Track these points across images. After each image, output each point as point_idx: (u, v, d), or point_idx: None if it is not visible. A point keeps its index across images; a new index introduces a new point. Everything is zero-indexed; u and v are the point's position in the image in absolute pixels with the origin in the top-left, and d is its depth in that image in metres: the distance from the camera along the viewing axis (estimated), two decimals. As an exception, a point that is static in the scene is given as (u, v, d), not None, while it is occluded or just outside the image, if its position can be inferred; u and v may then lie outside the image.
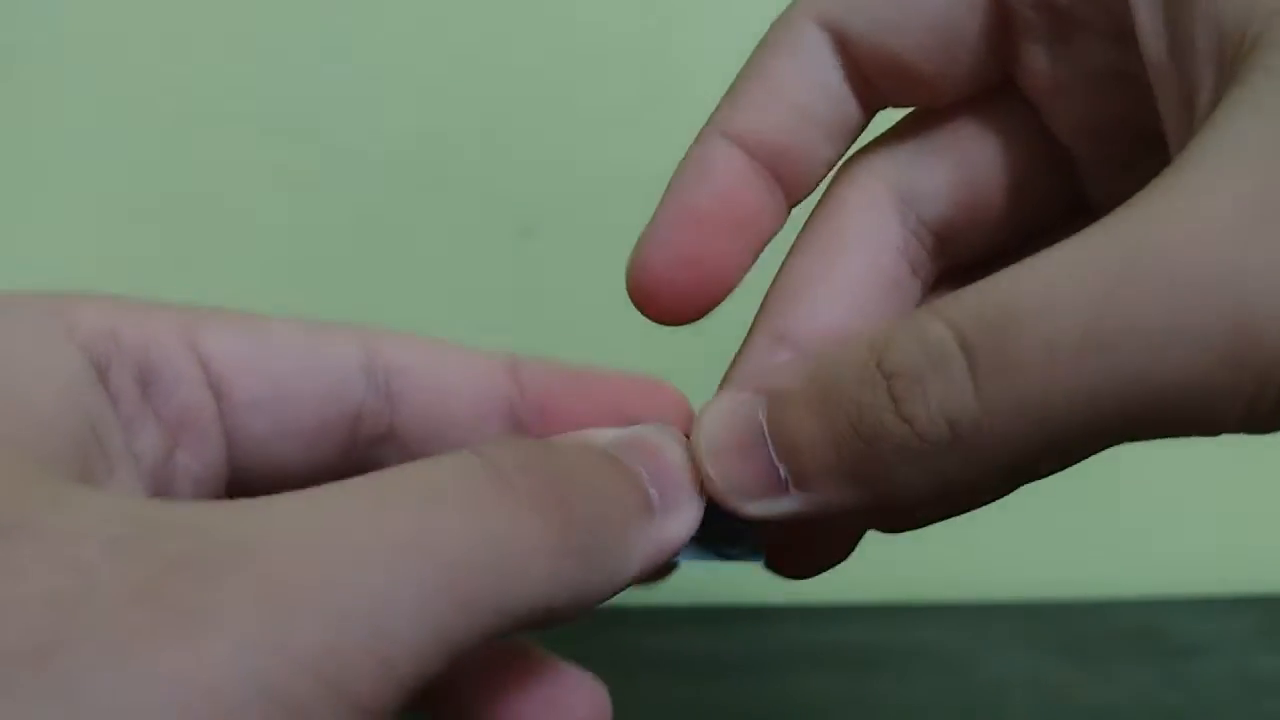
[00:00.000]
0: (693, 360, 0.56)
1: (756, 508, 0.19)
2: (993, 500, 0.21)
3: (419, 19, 0.51)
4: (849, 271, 0.22)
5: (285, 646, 0.13)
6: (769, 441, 0.19)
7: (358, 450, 0.21)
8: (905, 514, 0.23)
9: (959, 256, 0.23)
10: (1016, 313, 0.16)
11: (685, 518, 0.19)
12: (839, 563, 0.23)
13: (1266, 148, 0.16)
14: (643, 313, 0.22)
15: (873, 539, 0.23)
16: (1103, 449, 0.18)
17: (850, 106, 0.22)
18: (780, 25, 0.22)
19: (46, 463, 0.15)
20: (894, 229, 0.22)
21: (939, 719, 0.45)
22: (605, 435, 0.20)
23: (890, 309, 0.22)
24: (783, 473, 0.19)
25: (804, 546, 0.23)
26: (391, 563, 0.14)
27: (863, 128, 0.23)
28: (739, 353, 0.23)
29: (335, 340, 0.21)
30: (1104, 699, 0.46)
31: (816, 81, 0.22)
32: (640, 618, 0.54)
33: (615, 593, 0.17)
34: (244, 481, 0.20)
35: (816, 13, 0.22)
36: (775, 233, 0.23)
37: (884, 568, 0.57)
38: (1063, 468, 0.24)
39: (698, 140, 0.22)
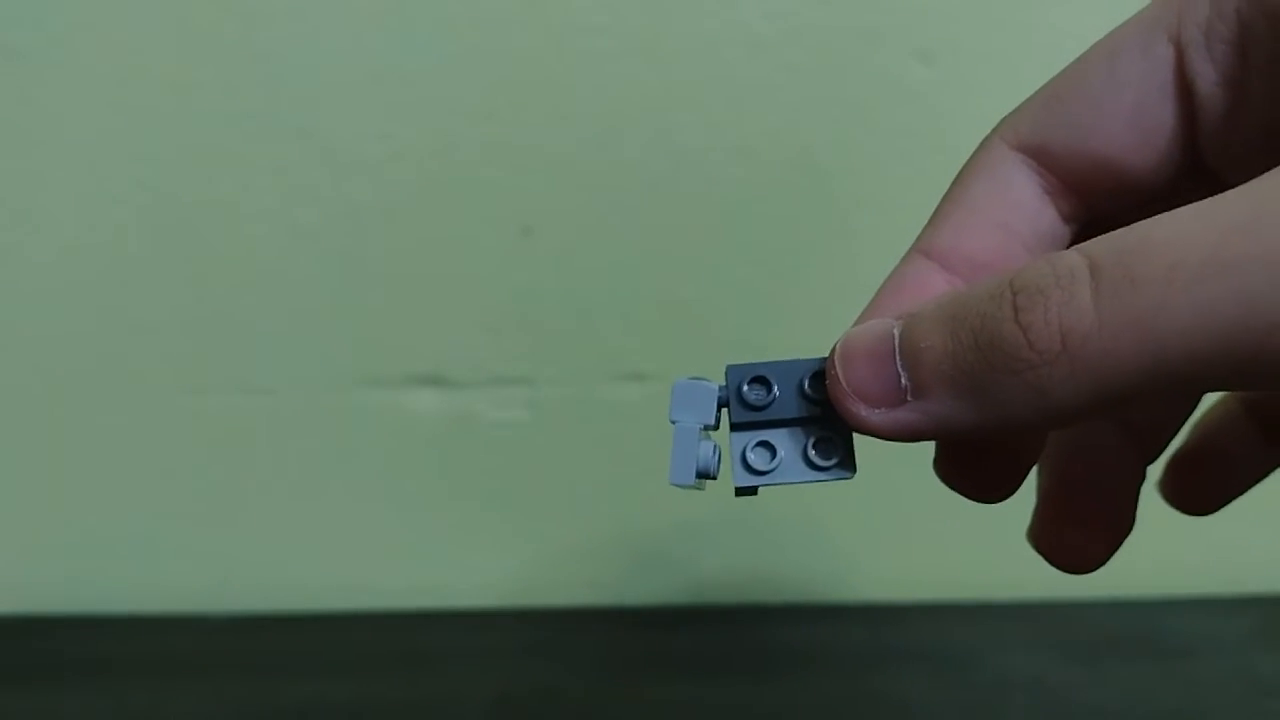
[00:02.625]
0: (690, 360, 0.56)
1: (874, 416, 0.20)
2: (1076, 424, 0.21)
3: (418, 19, 0.51)
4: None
5: None
6: (897, 352, 0.20)
7: None
8: (1002, 463, 0.23)
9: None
10: (1148, 240, 0.17)
11: None
12: (1005, 494, 0.23)
13: None
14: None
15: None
16: (1200, 389, 0.18)
17: (1049, 219, 0.24)
18: (975, 155, 0.24)
19: None
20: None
21: (939, 719, 0.45)
22: None
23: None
24: (903, 380, 0.19)
25: (969, 462, 0.23)
26: None
27: (1064, 240, 0.24)
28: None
29: None
30: (1104, 699, 0.46)
31: (1014, 199, 0.23)
32: (640, 618, 0.54)
33: None
34: None
35: (1012, 137, 0.23)
36: None
37: (885, 568, 0.57)
38: (1151, 409, 0.25)
39: (901, 261, 0.23)
